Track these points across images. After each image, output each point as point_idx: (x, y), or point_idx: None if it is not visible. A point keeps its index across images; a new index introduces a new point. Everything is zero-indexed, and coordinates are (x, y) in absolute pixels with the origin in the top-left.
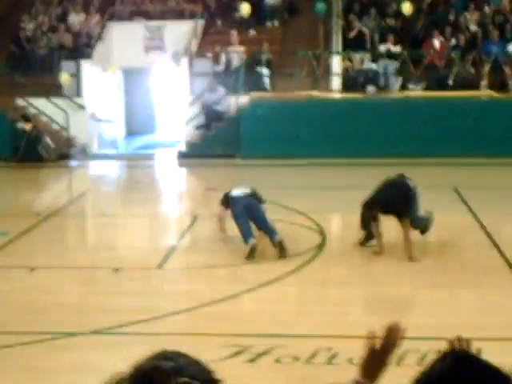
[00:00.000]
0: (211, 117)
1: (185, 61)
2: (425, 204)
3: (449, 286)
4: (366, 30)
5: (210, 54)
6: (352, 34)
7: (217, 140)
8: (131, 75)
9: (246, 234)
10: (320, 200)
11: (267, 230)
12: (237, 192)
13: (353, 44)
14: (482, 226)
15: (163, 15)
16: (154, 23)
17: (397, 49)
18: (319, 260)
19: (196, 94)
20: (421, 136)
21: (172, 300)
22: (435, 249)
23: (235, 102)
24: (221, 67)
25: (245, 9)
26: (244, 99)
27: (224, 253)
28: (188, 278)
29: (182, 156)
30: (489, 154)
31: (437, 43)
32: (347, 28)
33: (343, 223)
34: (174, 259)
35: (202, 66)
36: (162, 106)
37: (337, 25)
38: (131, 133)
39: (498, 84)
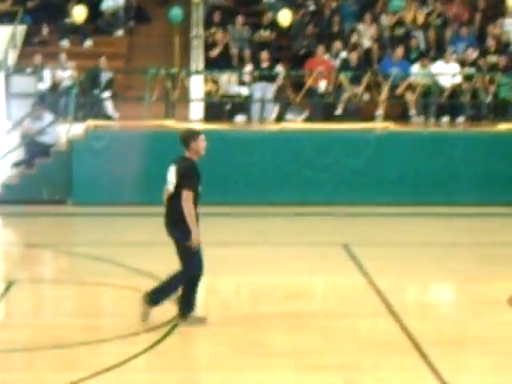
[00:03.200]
0: (34, 151)
1: None
2: (306, 264)
3: (339, 369)
4: (233, 45)
5: (30, 70)
6: (215, 52)
7: (41, 181)
8: None
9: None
10: (176, 259)
11: None
12: None
13: (217, 62)
14: (379, 292)
15: None
16: None
17: (274, 69)
18: (181, 335)
19: (14, 121)
20: (302, 179)
21: None
22: (321, 322)
23: (66, 132)
24: (45, 86)
25: (79, 13)
26: (77, 129)
27: (50, 329)
28: (1, 366)
29: None
30: (386, 201)
31: (322, 62)
32: (210, 42)
33: (206, 289)
34: None
35: (22, 84)
36: None
37: (197, 37)
38: None
39: (398, 114)
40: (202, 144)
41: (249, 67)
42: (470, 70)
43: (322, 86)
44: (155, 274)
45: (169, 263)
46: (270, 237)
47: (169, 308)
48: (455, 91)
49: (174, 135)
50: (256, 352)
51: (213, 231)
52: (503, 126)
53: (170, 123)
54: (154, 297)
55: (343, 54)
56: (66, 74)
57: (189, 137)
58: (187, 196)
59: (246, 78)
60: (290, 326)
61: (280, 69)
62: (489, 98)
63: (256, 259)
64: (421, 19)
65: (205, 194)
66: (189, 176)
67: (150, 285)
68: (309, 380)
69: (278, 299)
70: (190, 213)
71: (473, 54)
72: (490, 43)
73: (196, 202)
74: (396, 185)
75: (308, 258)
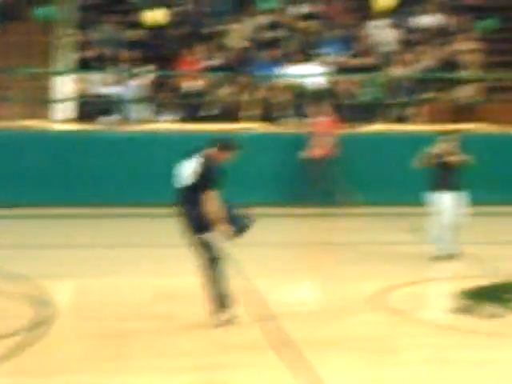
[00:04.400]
0: None
1: None
2: (180, 265)
3: (210, 369)
4: (104, 45)
5: None
6: (88, 53)
7: None
8: None
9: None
10: (42, 261)
11: None
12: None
13: (88, 61)
14: (253, 292)
15: None
16: None
17: (144, 68)
18: (52, 337)
19: None
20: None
21: None
22: (190, 322)
23: None
24: None
25: None
26: None
27: None
28: None
29: None
30: (257, 201)
31: (193, 62)
32: (81, 41)
33: (79, 292)
34: None
35: None
36: None
37: (67, 36)
38: None
39: (266, 114)
40: (227, 157)
41: (120, 67)
42: (340, 72)
43: (194, 86)
44: (26, 277)
45: (39, 266)
46: (139, 238)
47: (42, 310)
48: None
49: (42, 135)
50: (125, 354)
51: (81, 233)
52: (378, 127)
53: (39, 123)
54: (221, 305)
55: (215, 55)
56: None
57: (226, 145)
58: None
59: (117, 77)
60: (158, 328)
61: (150, 68)
62: (356, 100)
63: (126, 260)
64: (293, 21)
65: (78, 196)
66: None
67: (21, 287)
68: (177, 381)
69: (148, 301)
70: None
71: (342, 56)
72: (360, 45)
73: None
74: (268, 185)
75: (181, 259)
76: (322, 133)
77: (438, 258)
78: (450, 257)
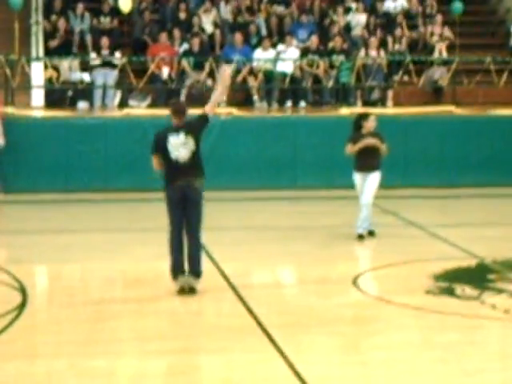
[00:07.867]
0: None
1: None
2: (151, 250)
3: (184, 353)
4: (74, 32)
5: None
6: (55, 41)
7: None
8: None
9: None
10: (17, 247)
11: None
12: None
13: (58, 48)
14: (224, 276)
15: None
16: None
17: (115, 55)
18: (25, 322)
19: None
20: (146, 165)
21: None
22: (165, 306)
23: None
24: None
25: None
26: None
27: None
28: None
29: None
30: (230, 186)
31: (164, 48)
32: (50, 28)
33: (51, 277)
34: None
35: None
36: None
37: (37, 24)
38: None
39: (241, 99)
40: None
41: (91, 54)
42: (312, 56)
43: (165, 72)
44: None
45: (6, 250)
46: (114, 223)
47: (14, 295)
48: (297, 77)
49: (14, 122)
50: (101, 338)
51: (56, 218)
52: (345, 110)
53: (11, 110)
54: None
55: (185, 41)
56: None
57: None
58: None
59: (89, 64)
60: (134, 312)
61: (119, 55)
62: (330, 83)
63: (100, 246)
64: (262, 7)
65: (48, 182)
66: None
67: None
68: (153, 365)
69: (124, 285)
70: None
71: (315, 40)
72: (333, 29)
73: None
74: (240, 170)
75: (153, 244)
76: None
77: (359, 237)
78: (370, 234)
